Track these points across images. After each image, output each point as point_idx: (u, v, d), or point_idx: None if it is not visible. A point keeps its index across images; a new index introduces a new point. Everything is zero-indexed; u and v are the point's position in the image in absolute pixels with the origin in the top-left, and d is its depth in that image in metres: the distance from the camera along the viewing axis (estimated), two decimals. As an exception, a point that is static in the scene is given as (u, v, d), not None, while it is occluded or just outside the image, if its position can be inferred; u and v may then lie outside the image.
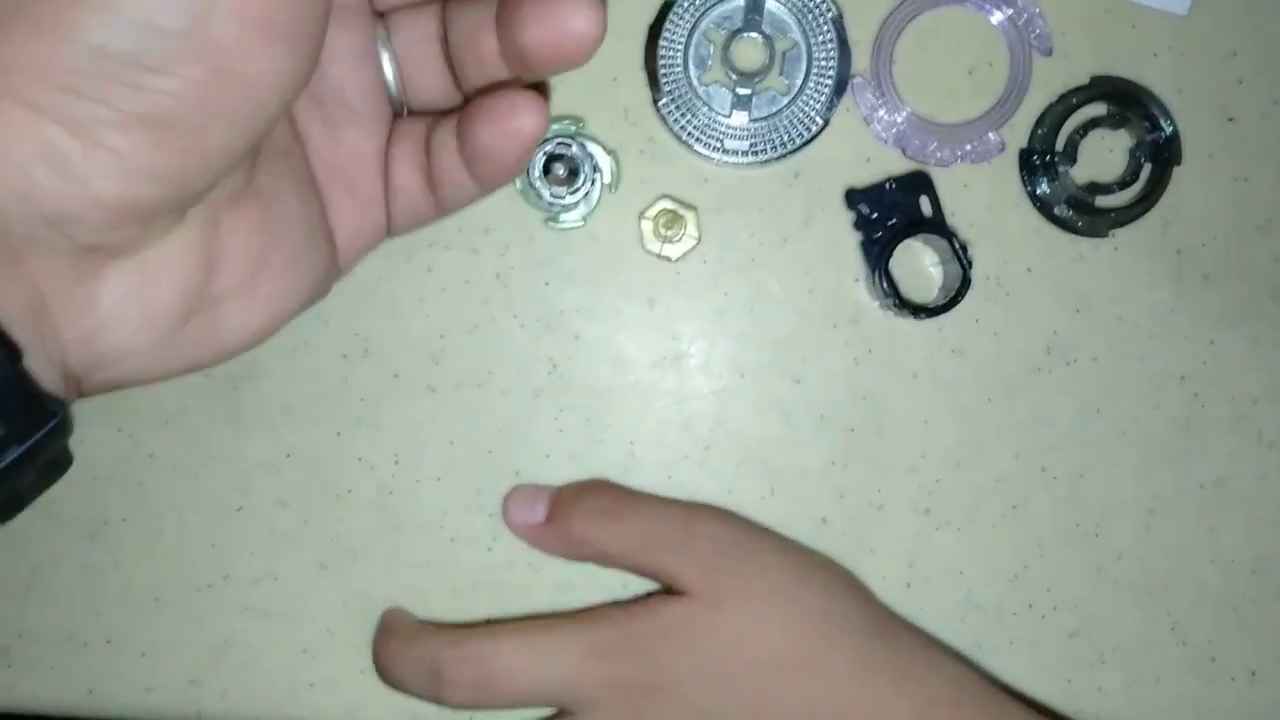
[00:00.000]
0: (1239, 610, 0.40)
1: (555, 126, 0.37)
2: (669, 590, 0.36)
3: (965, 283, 0.37)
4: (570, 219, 0.38)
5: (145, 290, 0.23)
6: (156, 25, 0.20)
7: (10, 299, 0.21)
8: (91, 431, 0.39)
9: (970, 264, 0.37)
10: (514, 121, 0.26)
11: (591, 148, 0.37)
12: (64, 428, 0.22)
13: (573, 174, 0.37)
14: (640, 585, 0.39)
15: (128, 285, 0.23)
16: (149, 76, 0.20)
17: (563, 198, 0.37)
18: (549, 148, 0.37)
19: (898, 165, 0.38)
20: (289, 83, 0.22)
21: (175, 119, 0.21)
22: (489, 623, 0.39)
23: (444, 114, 0.28)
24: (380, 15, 0.28)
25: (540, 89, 0.28)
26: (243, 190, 0.25)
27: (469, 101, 0.27)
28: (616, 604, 0.38)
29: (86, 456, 0.39)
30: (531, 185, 0.37)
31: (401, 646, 0.37)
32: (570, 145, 0.37)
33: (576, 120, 0.38)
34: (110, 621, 0.39)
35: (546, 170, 0.37)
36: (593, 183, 0.37)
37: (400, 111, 0.29)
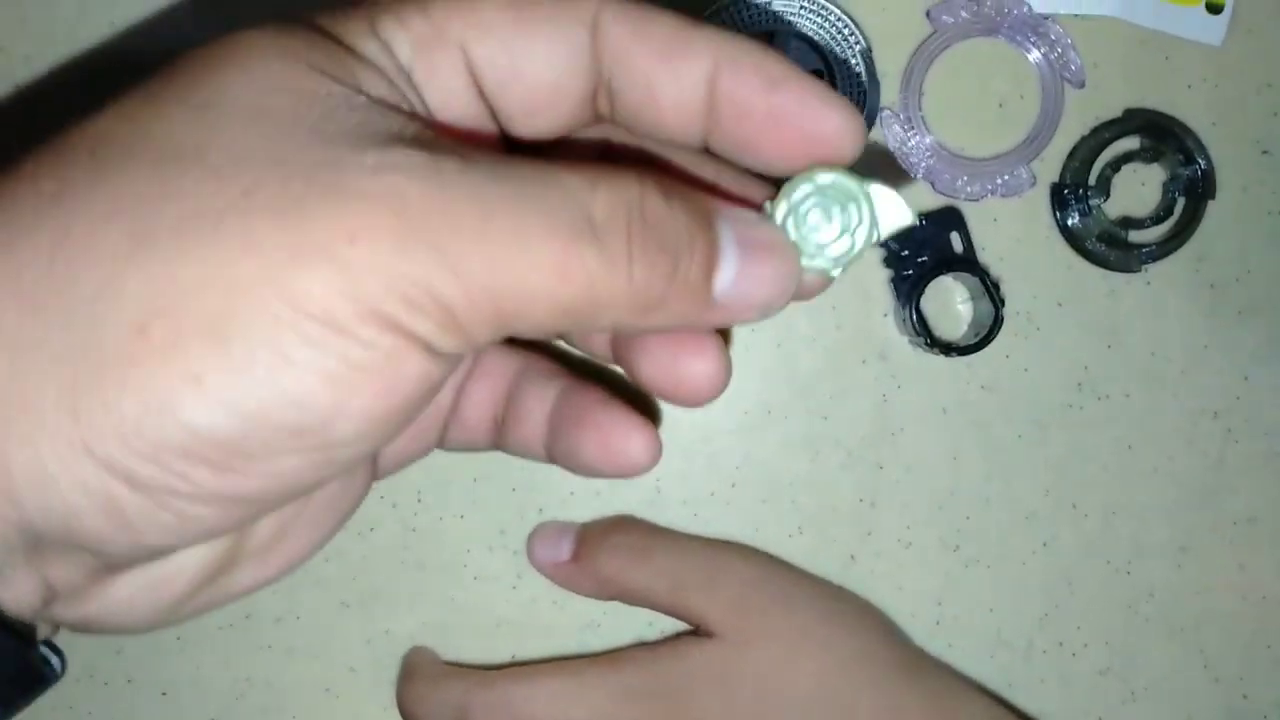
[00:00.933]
0: (1272, 647, 0.40)
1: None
2: (697, 630, 0.36)
3: (998, 321, 0.36)
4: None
5: (162, 585, 0.21)
6: (270, 420, 0.17)
7: (23, 594, 0.18)
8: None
9: (1003, 302, 0.37)
10: (623, 448, 0.23)
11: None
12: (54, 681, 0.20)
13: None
14: (667, 624, 0.38)
15: (144, 581, 0.20)
16: (242, 463, 0.17)
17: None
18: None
19: (928, 199, 0.38)
20: (376, 450, 0.20)
21: (259, 497, 0.18)
22: (514, 663, 0.38)
23: (539, 362, 0.26)
24: None
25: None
26: None
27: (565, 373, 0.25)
28: (644, 645, 0.38)
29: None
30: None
31: (428, 689, 0.36)
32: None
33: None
34: (131, 659, 0.39)
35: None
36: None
37: None
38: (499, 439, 0.26)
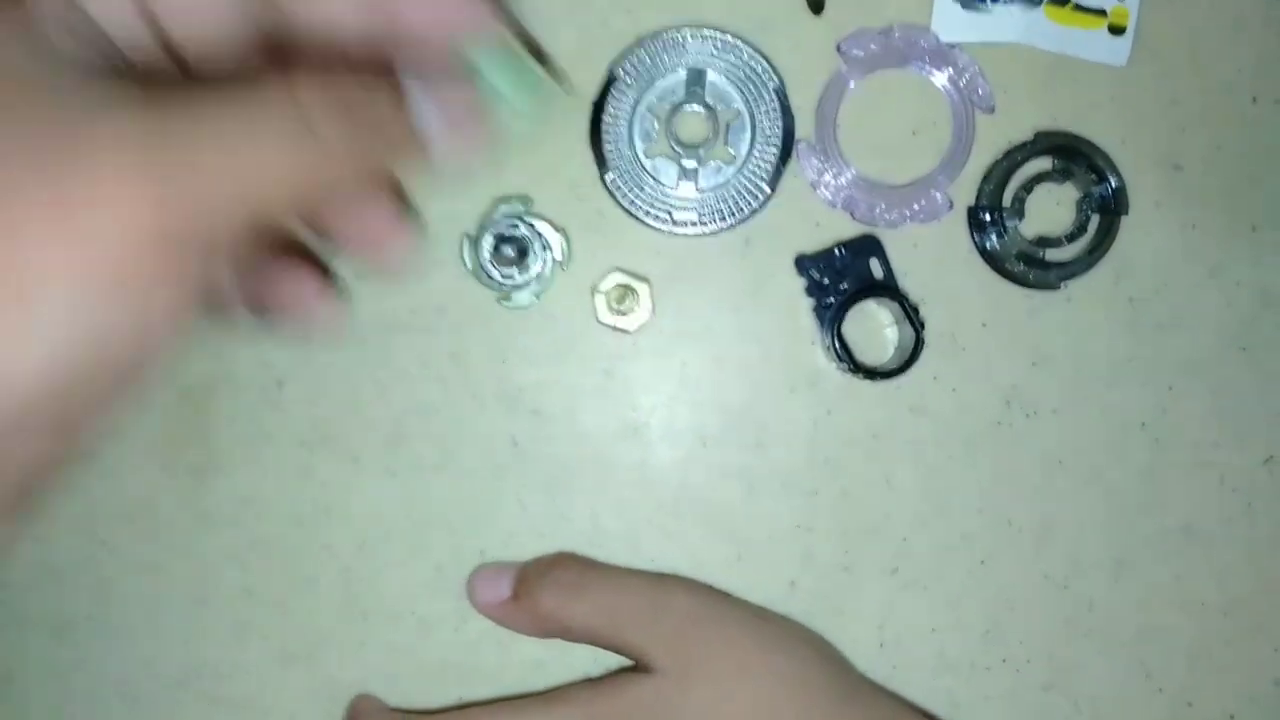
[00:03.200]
0: (1213, 655, 0.40)
1: (504, 207, 0.37)
2: (637, 665, 0.36)
3: (919, 344, 0.37)
4: (522, 298, 0.38)
5: None
6: None
7: None
8: (53, 531, 0.39)
9: (923, 325, 0.37)
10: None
11: (540, 226, 0.37)
12: None
13: (522, 254, 0.37)
14: (613, 661, 0.38)
15: None
16: None
17: (514, 277, 0.37)
18: (497, 229, 0.37)
19: (847, 228, 0.39)
20: None
21: None
22: (459, 705, 0.39)
23: None
24: None
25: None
26: None
27: None
28: (585, 682, 0.38)
29: (48, 556, 0.39)
30: (482, 267, 0.37)
31: (370, 736, 0.36)
32: (519, 226, 0.37)
33: (524, 200, 0.38)
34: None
35: (496, 251, 0.37)
36: (543, 261, 0.37)
37: None
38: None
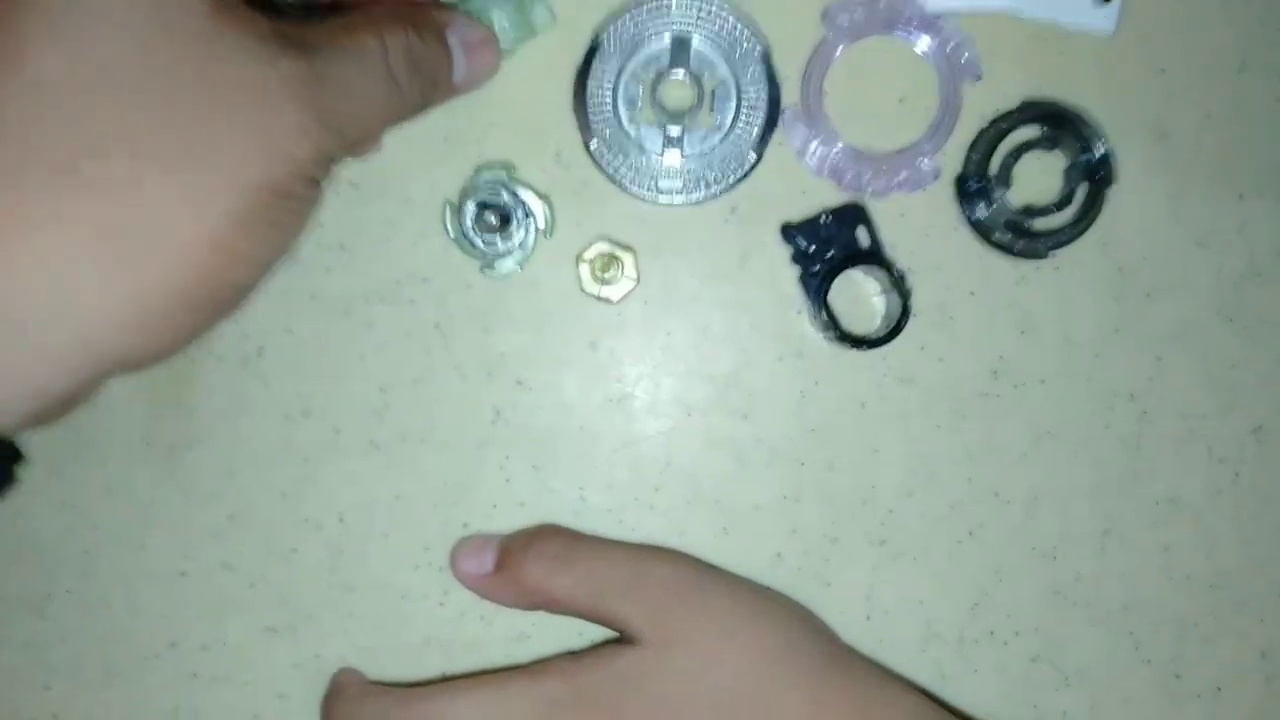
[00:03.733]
0: (1200, 626, 0.40)
1: (486, 174, 0.37)
2: (621, 637, 0.36)
3: (905, 313, 0.37)
4: (505, 266, 0.37)
5: None
6: None
7: None
8: (33, 504, 0.38)
9: (909, 293, 0.37)
10: None
11: (523, 193, 0.37)
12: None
13: (505, 221, 0.37)
14: (597, 633, 0.38)
15: None
16: None
17: (496, 245, 0.37)
18: (480, 196, 0.37)
19: (833, 197, 0.38)
20: None
21: None
22: (443, 679, 0.38)
23: None
24: None
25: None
26: None
27: None
28: (568, 654, 0.38)
29: (29, 530, 0.38)
30: (465, 234, 0.37)
31: (351, 708, 0.36)
32: (501, 192, 0.37)
33: (507, 166, 0.37)
34: (59, 696, 0.39)
35: (479, 218, 0.37)
36: (526, 229, 0.37)
37: None
38: None
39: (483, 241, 0.37)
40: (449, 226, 0.37)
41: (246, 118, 0.24)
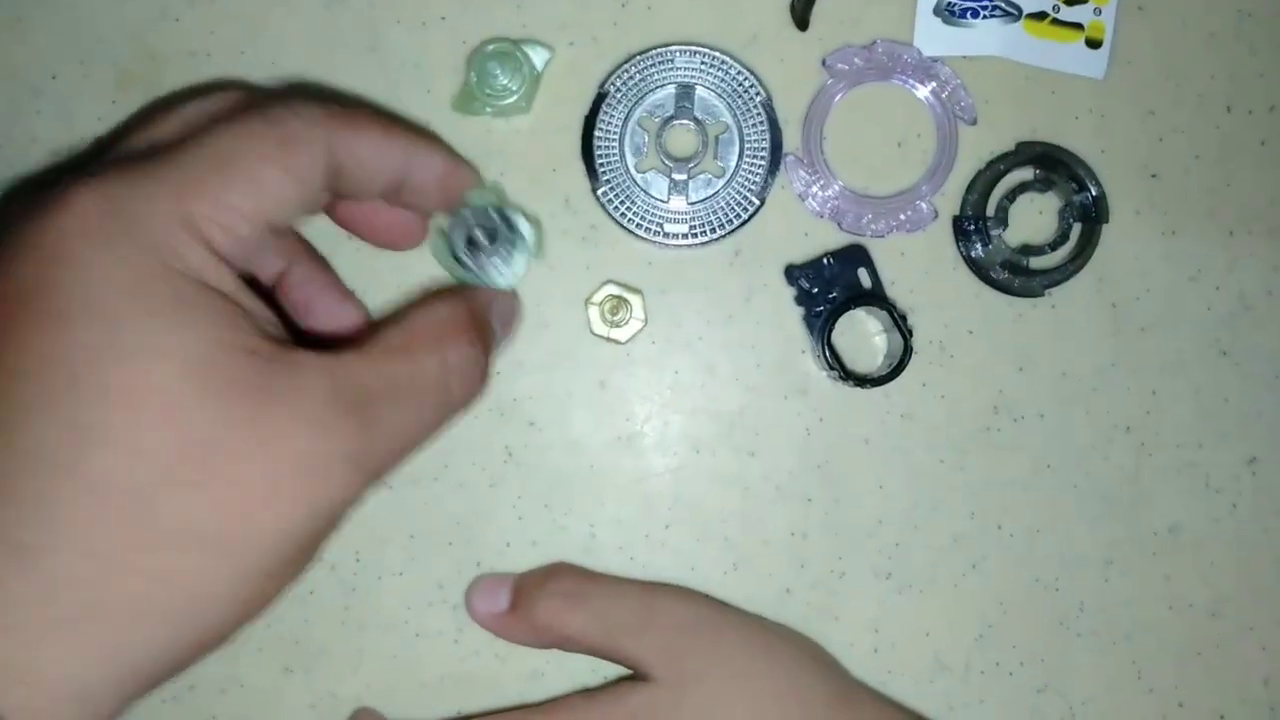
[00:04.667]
0: (1202, 654, 0.40)
1: (475, 197, 0.36)
2: (634, 675, 0.36)
3: (907, 352, 0.38)
4: (500, 283, 0.37)
5: None
6: None
7: None
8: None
9: (911, 333, 0.38)
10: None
11: (512, 215, 0.37)
12: None
13: (493, 239, 0.36)
14: (610, 671, 0.39)
15: None
16: None
17: (485, 267, 0.36)
18: (469, 219, 0.36)
19: (835, 238, 0.39)
20: None
21: None
22: (458, 718, 0.39)
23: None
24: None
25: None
26: None
27: None
28: (582, 693, 0.38)
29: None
30: (455, 258, 0.36)
31: (369, 748, 0.37)
32: (490, 214, 0.36)
33: (496, 189, 0.37)
34: (77, 739, 0.39)
35: (469, 242, 0.37)
36: (513, 248, 0.37)
37: None
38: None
39: (473, 263, 0.37)
40: (437, 250, 0.37)
41: (296, 489, 0.25)
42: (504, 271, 0.37)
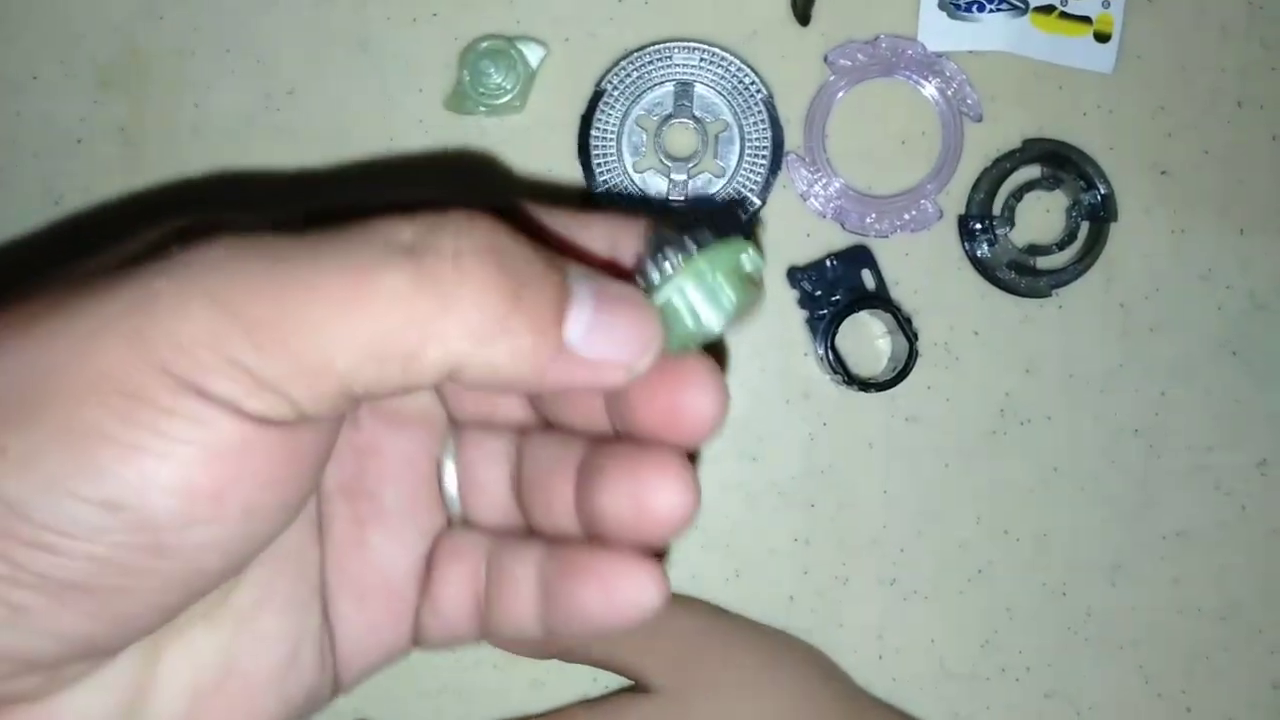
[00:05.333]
0: (1211, 659, 0.40)
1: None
2: (636, 686, 0.36)
3: (912, 355, 0.37)
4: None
5: None
6: (77, 494, 0.17)
7: None
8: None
9: (915, 336, 0.37)
10: (632, 594, 0.21)
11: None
12: None
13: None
14: (612, 680, 0.38)
15: None
16: (64, 541, 0.17)
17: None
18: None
19: (838, 238, 0.38)
20: (242, 551, 0.18)
21: (89, 583, 0.17)
22: (458, 729, 0.38)
23: (510, 532, 0.24)
24: (452, 423, 0.24)
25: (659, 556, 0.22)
26: (203, 615, 0.20)
27: (542, 535, 0.23)
28: (584, 703, 0.37)
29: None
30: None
31: (368, 764, 0.36)
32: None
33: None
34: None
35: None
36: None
37: (452, 523, 0.24)
38: (485, 624, 0.23)
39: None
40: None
41: None
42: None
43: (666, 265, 0.20)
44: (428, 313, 0.17)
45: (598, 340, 0.19)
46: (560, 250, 0.20)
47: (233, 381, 0.17)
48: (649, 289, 0.20)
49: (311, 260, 0.17)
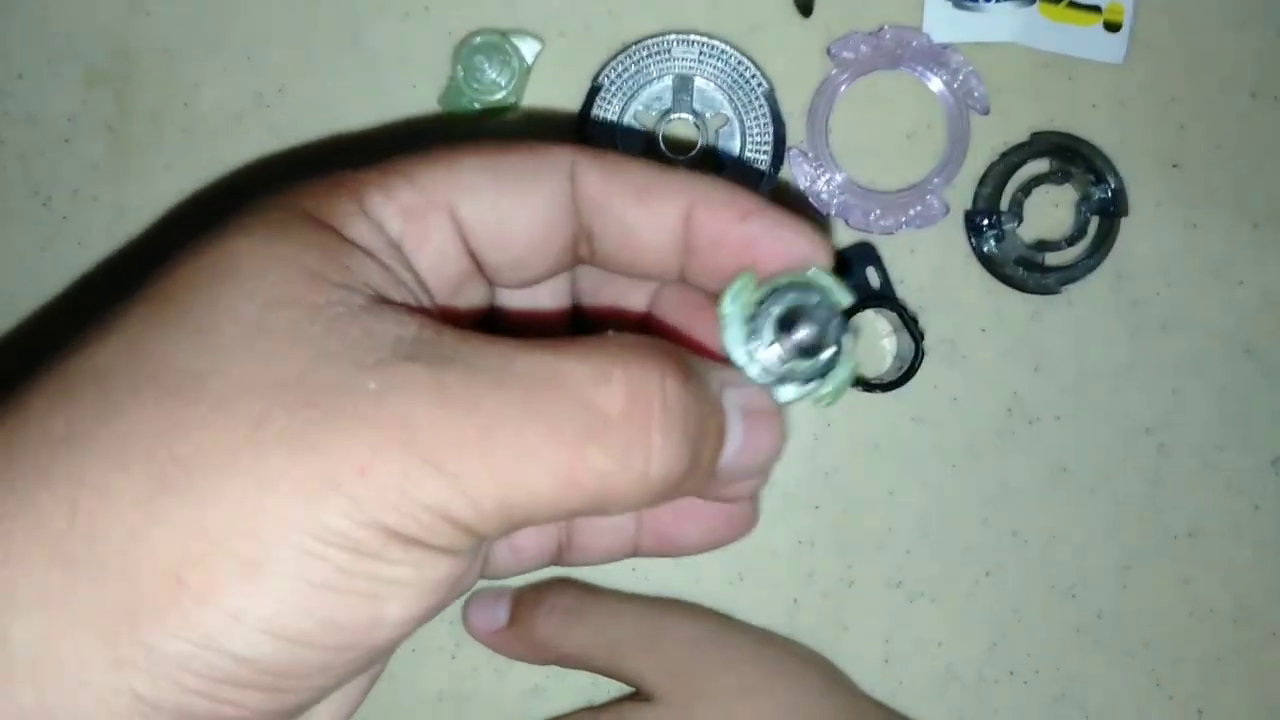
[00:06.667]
0: (1223, 661, 0.39)
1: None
2: (638, 693, 0.35)
3: (918, 355, 0.36)
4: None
5: None
6: (314, 641, 0.18)
7: None
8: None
9: (922, 336, 0.36)
10: (733, 518, 0.26)
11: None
12: None
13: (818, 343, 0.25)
14: (612, 686, 0.37)
15: None
16: (292, 682, 0.18)
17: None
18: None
19: (842, 235, 0.38)
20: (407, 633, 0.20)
21: (306, 704, 0.19)
22: (457, 736, 0.38)
23: None
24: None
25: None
26: None
27: None
28: (585, 710, 0.37)
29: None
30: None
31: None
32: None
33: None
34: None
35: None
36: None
37: None
38: (563, 557, 0.26)
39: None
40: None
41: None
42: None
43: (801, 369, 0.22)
44: (624, 490, 0.19)
45: (743, 460, 0.21)
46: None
47: (450, 535, 0.18)
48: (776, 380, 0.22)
49: (518, 421, 0.18)
